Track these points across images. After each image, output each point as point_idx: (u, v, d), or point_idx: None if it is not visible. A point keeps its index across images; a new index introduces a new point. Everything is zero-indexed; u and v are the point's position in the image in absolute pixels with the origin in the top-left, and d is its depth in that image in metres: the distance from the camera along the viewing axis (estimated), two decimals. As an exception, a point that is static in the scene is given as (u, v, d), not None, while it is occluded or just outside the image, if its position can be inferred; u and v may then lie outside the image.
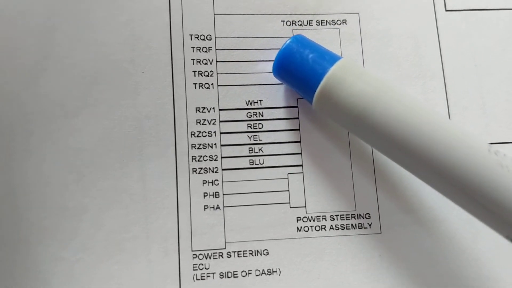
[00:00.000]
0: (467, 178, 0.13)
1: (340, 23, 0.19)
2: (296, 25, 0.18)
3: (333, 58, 0.15)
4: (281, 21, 0.18)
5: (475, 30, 0.19)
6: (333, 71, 0.15)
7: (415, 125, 0.14)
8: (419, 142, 0.14)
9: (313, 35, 0.18)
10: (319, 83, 0.15)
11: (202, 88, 0.18)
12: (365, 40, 0.19)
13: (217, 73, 0.18)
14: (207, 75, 0.18)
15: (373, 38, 0.19)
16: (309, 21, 0.19)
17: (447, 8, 0.19)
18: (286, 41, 0.16)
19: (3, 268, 0.16)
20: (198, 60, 0.18)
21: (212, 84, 0.18)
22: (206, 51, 0.18)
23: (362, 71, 0.15)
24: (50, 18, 0.17)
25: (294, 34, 0.18)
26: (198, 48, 0.18)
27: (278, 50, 0.18)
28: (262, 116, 0.18)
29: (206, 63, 0.18)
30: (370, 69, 0.18)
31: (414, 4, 0.19)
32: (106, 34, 0.17)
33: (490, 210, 0.13)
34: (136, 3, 0.18)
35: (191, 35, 0.18)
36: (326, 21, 0.19)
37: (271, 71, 0.17)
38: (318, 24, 0.19)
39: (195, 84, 0.18)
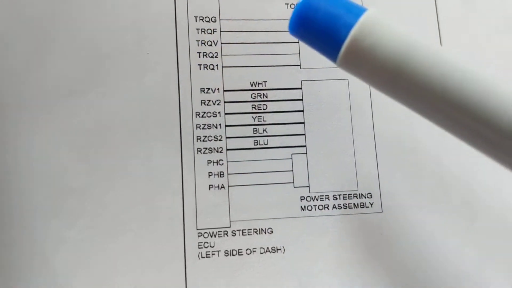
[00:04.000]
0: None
1: (343, 7, 0.19)
2: (299, 8, 0.19)
3: (359, 10, 0.14)
4: (285, 3, 0.19)
5: (473, 13, 0.20)
6: (362, 22, 0.13)
7: (453, 79, 0.13)
8: (456, 95, 0.13)
9: (316, 18, 0.19)
10: (345, 36, 0.13)
11: (207, 69, 0.18)
12: None
13: (221, 55, 0.18)
14: (212, 57, 0.18)
15: None
16: None
17: (447, -7, 0.20)
18: None
19: (6, 248, 0.16)
20: (203, 42, 0.18)
21: (217, 65, 0.18)
22: (211, 33, 0.18)
23: (390, 23, 0.14)
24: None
25: (298, 17, 0.19)
26: (203, 30, 0.18)
27: (282, 33, 0.18)
28: (266, 97, 0.18)
29: (211, 45, 0.18)
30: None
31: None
32: (111, 16, 0.17)
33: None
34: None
35: (196, 17, 0.18)
36: None
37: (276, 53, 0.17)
38: (321, 7, 0.19)
39: (200, 65, 0.18)
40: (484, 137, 0.13)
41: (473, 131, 0.13)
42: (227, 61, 0.18)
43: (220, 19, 0.18)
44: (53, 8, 0.17)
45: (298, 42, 0.18)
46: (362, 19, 0.13)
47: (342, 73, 0.18)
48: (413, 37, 0.13)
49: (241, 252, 0.17)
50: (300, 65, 0.18)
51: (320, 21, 0.14)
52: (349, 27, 0.13)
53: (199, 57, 0.18)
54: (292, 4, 0.19)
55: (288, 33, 0.18)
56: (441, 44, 0.19)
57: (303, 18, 0.14)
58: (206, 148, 0.17)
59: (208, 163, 0.17)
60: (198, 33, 0.18)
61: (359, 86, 0.18)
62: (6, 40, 0.17)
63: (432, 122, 0.14)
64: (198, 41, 0.18)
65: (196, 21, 0.18)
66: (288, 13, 0.19)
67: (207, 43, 0.18)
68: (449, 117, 0.14)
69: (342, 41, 0.14)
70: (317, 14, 0.14)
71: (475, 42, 0.19)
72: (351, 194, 0.18)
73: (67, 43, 0.17)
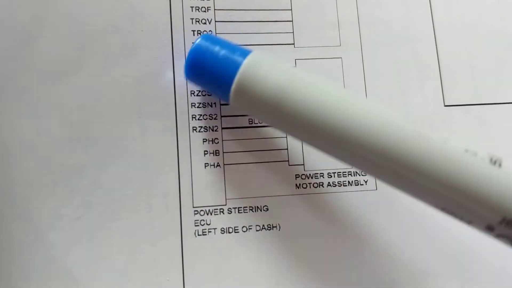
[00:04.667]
0: (389, 153, 0.13)
1: (336, -16, 0.19)
2: (292, -14, 0.19)
3: (244, 53, 0.15)
4: (278, -19, 0.19)
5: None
6: (245, 66, 0.15)
7: (332, 108, 0.14)
8: (339, 125, 0.14)
9: (310, -3, 0.19)
10: (232, 80, 0.15)
11: (201, 47, 0.18)
12: (360, 4, 0.19)
13: (216, 33, 0.18)
14: (206, 35, 0.18)
15: (368, 2, 0.19)
16: (306, -17, 0.19)
17: (439, -26, 0.20)
18: (196, 40, 0.16)
19: (1, 225, 0.16)
20: (197, 20, 0.18)
21: (211, 43, 0.18)
22: (205, 11, 0.18)
23: (274, 62, 0.15)
24: (46, -28, 0.17)
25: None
26: (197, 8, 0.18)
27: (276, 11, 0.18)
28: (261, 76, 0.18)
29: (205, 23, 0.18)
30: (365, 32, 0.19)
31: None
32: (104, -9, 0.17)
33: (419, 184, 0.13)
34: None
35: (189, -6, 0.18)
36: (322, -19, 0.19)
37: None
38: (314, -15, 0.19)
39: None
40: (359, 158, 0.14)
41: (349, 154, 0.14)
42: (222, 39, 0.18)
43: (214, -3, 0.18)
44: (44, -16, 0.17)
45: (292, 21, 0.18)
46: (244, 64, 0.15)
47: (335, 51, 0.18)
48: (291, 78, 0.14)
49: (237, 229, 0.17)
50: (294, 43, 0.18)
51: (209, 68, 0.15)
52: (233, 74, 0.15)
53: (194, 35, 0.18)
54: (286, -18, 0.19)
55: (282, 11, 0.18)
56: (432, 21, 0.19)
57: (194, 65, 0.16)
58: (201, 127, 0.17)
59: (203, 141, 0.17)
60: (192, 10, 0.18)
61: (352, 65, 0.19)
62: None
63: (315, 149, 0.15)
64: (192, 19, 0.18)
65: (190, -1, 0.18)
66: (282, -8, 0.19)
67: (201, 21, 0.18)
68: (327, 144, 0.15)
69: (230, 85, 0.15)
70: (207, 60, 0.15)
71: (467, 19, 0.20)
72: (345, 172, 0.18)
73: (60, 18, 0.17)
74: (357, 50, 0.19)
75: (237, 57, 0.15)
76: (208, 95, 0.17)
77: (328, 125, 0.14)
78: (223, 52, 0.15)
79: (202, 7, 0.18)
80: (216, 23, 0.18)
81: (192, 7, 0.18)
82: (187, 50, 0.18)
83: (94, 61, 0.17)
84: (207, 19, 0.18)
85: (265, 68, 0.14)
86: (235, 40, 0.18)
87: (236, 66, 0.15)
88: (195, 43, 0.16)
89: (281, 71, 0.15)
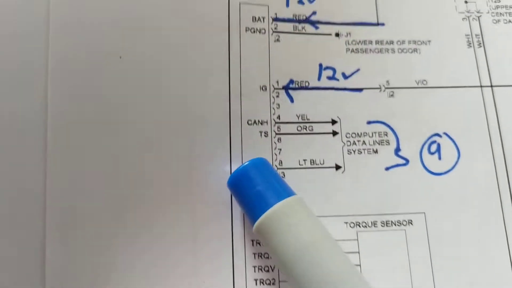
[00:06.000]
0: None
1: (406, 224, 0.18)
2: (360, 226, 0.18)
3: (279, 196, 0.16)
4: (345, 222, 0.18)
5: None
6: (270, 212, 0.16)
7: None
8: None
9: (379, 237, 0.18)
10: (258, 216, 0.16)
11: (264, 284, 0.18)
12: (433, 242, 0.18)
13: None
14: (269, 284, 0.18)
15: (440, 240, 0.18)
16: (374, 222, 0.18)
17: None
18: (245, 162, 0.17)
19: None
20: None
21: (274, 279, 0.18)
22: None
23: (300, 218, 0.16)
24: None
25: (359, 236, 0.18)
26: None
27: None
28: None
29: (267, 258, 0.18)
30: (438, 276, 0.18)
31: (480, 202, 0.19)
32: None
33: None
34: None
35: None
36: (391, 221, 0.18)
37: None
38: (383, 225, 0.18)
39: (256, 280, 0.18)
40: None
41: None
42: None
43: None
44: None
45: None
46: (270, 211, 0.15)
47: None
48: (311, 240, 0.15)
49: None
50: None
51: (244, 195, 0.16)
52: (260, 212, 0.16)
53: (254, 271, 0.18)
54: (352, 223, 0.18)
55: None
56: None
57: (235, 185, 0.17)
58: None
59: None
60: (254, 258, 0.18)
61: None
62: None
63: None
64: (254, 253, 0.18)
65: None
66: (348, 232, 0.18)
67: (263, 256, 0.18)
68: None
69: (255, 219, 0.16)
70: (243, 189, 0.16)
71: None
72: None
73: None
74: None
75: (269, 199, 0.16)
76: None
77: None
78: (259, 187, 0.16)
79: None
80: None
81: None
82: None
83: None
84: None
85: (288, 221, 0.15)
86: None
87: (265, 207, 0.16)
88: (243, 165, 0.17)
89: (304, 229, 0.15)
